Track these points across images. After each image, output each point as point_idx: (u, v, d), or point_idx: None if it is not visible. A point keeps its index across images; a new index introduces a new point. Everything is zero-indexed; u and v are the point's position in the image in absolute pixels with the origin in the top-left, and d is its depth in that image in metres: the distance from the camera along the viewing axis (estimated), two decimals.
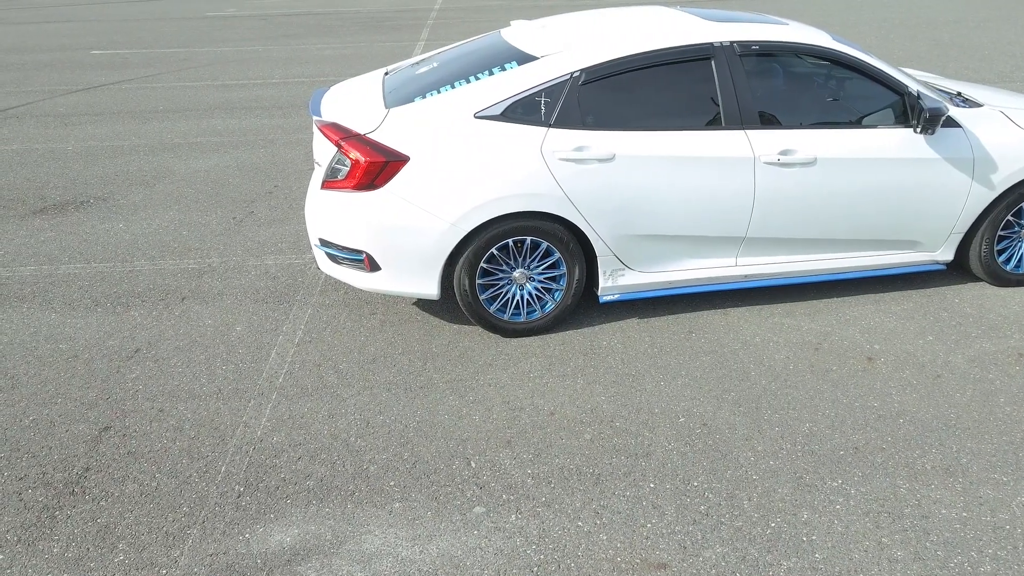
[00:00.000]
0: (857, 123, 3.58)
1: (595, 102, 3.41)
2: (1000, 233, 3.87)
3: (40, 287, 4.27)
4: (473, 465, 2.84)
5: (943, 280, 4.10)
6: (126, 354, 3.57)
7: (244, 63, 11.26)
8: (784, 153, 3.48)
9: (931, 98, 3.49)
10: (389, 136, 3.33)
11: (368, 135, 3.35)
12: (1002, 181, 3.69)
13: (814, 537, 2.47)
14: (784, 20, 3.85)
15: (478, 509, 2.63)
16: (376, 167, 3.30)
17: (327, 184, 3.45)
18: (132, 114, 8.31)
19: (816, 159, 3.51)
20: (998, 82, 8.49)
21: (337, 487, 2.74)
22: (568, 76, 3.40)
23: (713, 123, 3.47)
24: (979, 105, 3.84)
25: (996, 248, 3.91)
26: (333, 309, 3.98)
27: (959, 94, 4.05)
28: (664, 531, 2.51)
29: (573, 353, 3.53)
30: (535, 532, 2.52)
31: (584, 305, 3.94)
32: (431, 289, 3.49)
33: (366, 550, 2.46)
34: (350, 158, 3.32)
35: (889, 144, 3.56)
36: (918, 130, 3.50)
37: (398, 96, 3.58)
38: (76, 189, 5.96)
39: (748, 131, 3.47)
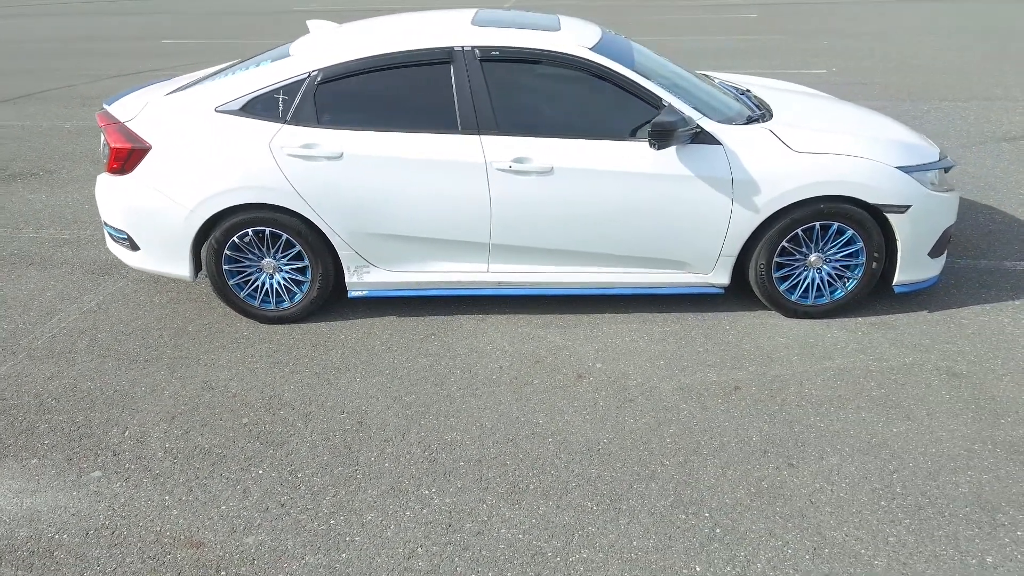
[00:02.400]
0: (609, 134, 3.47)
1: (332, 101, 3.51)
2: (779, 260, 3.63)
3: None
4: (126, 434, 3.04)
5: (731, 306, 3.88)
6: None
7: None
8: (518, 161, 3.44)
9: (672, 112, 3.32)
10: (140, 125, 3.58)
11: (126, 123, 3.61)
12: (767, 205, 3.46)
13: (357, 537, 2.50)
14: (558, 24, 3.76)
15: (96, 473, 2.84)
16: (123, 153, 3.56)
17: (105, 168, 3.75)
18: None
19: (553, 168, 3.44)
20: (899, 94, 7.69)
21: None
22: (306, 75, 3.52)
23: (448, 127, 3.48)
24: (762, 120, 3.61)
25: (778, 275, 3.67)
26: (142, 284, 4.29)
27: (760, 108, 3.82)
28: (232, 514, 2.62)
29: (305, 344, 3.65)
30: (123, 499, 2.70)
31: (356, 301, 4.03)
32: (183, 271, 3.72)
33: None
34: (109, 144, 3.61)
35: (636, 157, 3.44)
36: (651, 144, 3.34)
37: (181, 88, 3.83)
38: (39, 162, 6.64)
39: (483, 136, 3.46)
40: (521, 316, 3.85)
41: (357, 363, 3.49)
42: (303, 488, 2.74)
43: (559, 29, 3.68)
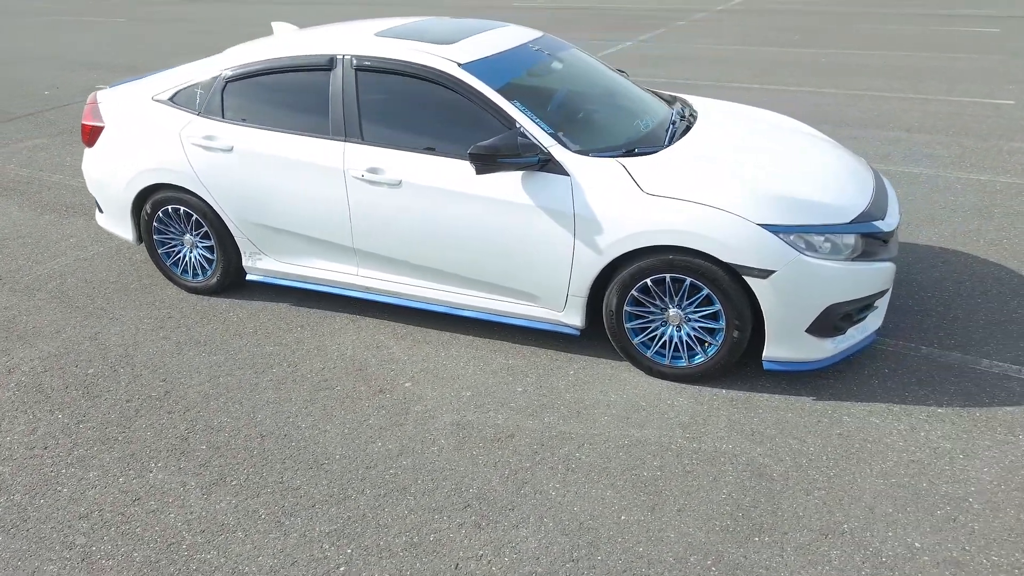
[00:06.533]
0: (460, 153, 3.39)
1: (234, 99, 3.83)
2: (631, 309, 3.28)
3: (48, 188, 6.03)
4: (5, 363, 3.64)
5: (599, 352, 3.58)
6: None
7: None
8: (372, 171, 3.50)
9: (511, 135, 3.14)
10: (103, 106, 4.18)
11: (97, 104, 4.24)
12: (610, 247, 3.15)
13: (64, 489, 2.82)
14: (457, 37, 3.68)
15: None
16: (87, 129, 4.19)
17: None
18: None
19: (402, 182, 3.45)
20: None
21: None
22: (219, 73, 3.87)
23: (322, 131, 3.63)
24: (632, 154, 3.27)
25: (632, 325, 3.32)
26: None
27: (666, 139, 3.46)
28: (6, 445, 3.07)
29: (196, 315, 4.04)
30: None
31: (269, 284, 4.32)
32: (128, 235, 4.29)
33: None
34: (82, 120, 4.27)
35: (480, 179, 3.32)
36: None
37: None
38: None
39: (347, 144, 3.56)
40: (389, 324, 3.89)
41: (217, 340, 3.79)
42: (73, 437, 3.10)
43: (454, 42, 3.63)
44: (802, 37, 12.88)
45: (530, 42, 3.93)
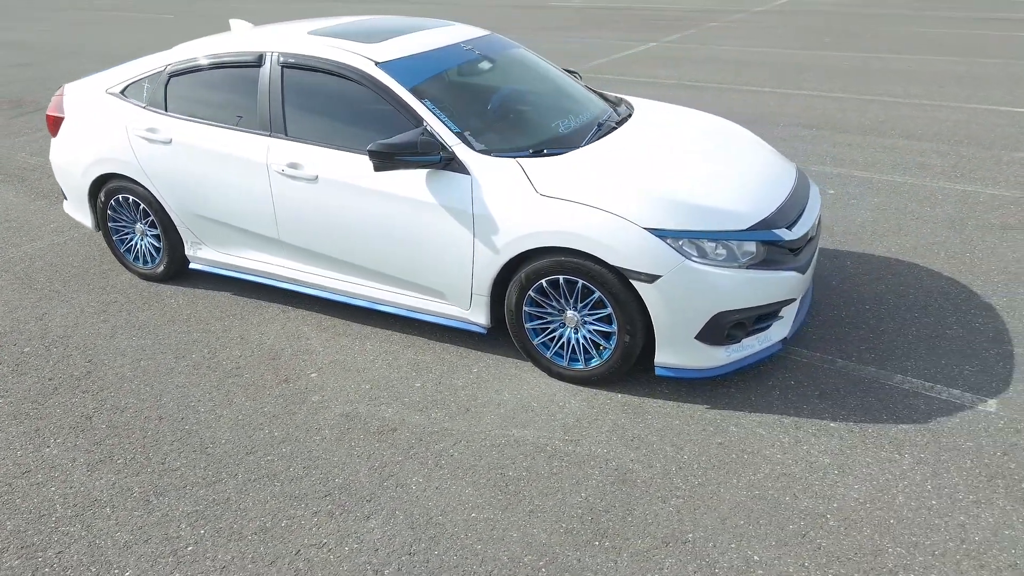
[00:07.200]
0: None
1: (175, 93, 3.97)
2: (530, 310, 3.29)
3: (50, 175, 6.33)
4: None
5: (508, 352, 3.59)
6: None
7: None
8: (292, 166, 3.59)
9: (409, 135, 3.18)
10: (65, 98, 4.39)
11: (61, 96, 4.45)
12: (506, 247, 3.17)
13: None
14: (386, 36, 3.74)
15: None
16: (51, 119, 4.40)
17: None
18: None
19: (318, 177, 3.53)
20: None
21: None
22: (163, 68, 4.02)
23: (250, 126, 3.74)
24: (536, 154, 3.28)
25: (532, 325, 3.33)
26: None
27: (580, 140, 3.44)
28: None
29: (140, 300, 4.20)
30: None
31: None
32: (87, 222, 4.49)
33: None
34: (47, 112, 4.48)
35: (385, 176, 3.38)
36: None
37: None
38: None
39: (272, 139, 3.66)
40: (316, 316, 3.97)
41: (151, 325, 3.94)
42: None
43: (380, 41, 3.69)
44: (835, 39, 12.54)
45: (464, 42, 3.96)
